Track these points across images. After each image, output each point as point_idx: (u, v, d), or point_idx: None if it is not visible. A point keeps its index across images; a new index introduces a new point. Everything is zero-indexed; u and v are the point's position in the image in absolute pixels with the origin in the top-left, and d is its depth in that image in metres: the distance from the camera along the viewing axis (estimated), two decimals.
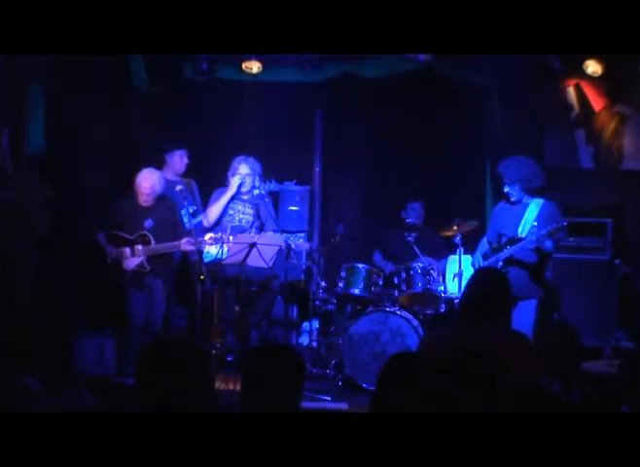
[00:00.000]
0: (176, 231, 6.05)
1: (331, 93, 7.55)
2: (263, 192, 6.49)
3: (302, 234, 7.36)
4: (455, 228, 6.21)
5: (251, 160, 6.47)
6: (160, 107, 7.30)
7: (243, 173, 6.41)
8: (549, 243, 5.34)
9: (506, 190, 5.58)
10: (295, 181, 7.58)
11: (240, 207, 6.50)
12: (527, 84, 7.03)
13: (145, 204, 6.03)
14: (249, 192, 6.49)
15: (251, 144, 7.46)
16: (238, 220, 6.45)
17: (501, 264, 5.40)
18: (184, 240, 5.89)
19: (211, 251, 6.15)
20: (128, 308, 6.03)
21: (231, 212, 6.47)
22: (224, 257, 5.96)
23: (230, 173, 6.48)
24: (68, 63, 6.07)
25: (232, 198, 6.47)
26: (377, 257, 7.04)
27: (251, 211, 6.51)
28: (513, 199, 5.61)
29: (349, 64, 7.22)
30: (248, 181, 6.43)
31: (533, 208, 5.54)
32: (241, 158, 6.47)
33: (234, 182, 6.40)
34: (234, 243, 5.88)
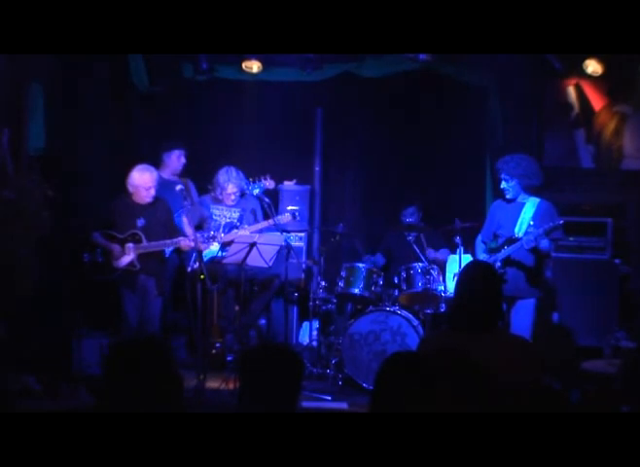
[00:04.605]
0: (172, 231, 6.04)
1: (331, 93, 7.55)
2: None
3: (303, 234, 7.36)
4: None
5: (234, 173, 6.56)
6: (159, 107, 7.30)
7: (231, 192, 6.56)
8: (545, 243, 5.33)
9: (502, 186, 5.57)
10: (295, 181, 7.58)
11: (226, 212, 6.62)
12: (527, 84, 7.03)
13: (146, 200, 5.99)
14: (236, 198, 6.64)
15: (251, 144, 7.48)
16: (225, 224, 6.50)
17: (499, 264, 5.39)
18: (182, 238, 5.89)
19: (212, 248, 6.18)
20: (122, 309, 6.02)
21: (215, 217, 6.56)
22: (223, 255, 5.97)
23: (217, 191, 6.60)
24: (68, 63, 6.07)
25: (219, 203, 6.61)
26: (379, 258, 7.03)
27: (236, 215, 6.60)
28: (508, 197, 5.58)
29: (349, 64, 7.21)
30: (237, 195, 6.62)
31: (529, 207, 5.52)
32: (225, 175, 6.56)
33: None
34: (235, 243, 5.89)
